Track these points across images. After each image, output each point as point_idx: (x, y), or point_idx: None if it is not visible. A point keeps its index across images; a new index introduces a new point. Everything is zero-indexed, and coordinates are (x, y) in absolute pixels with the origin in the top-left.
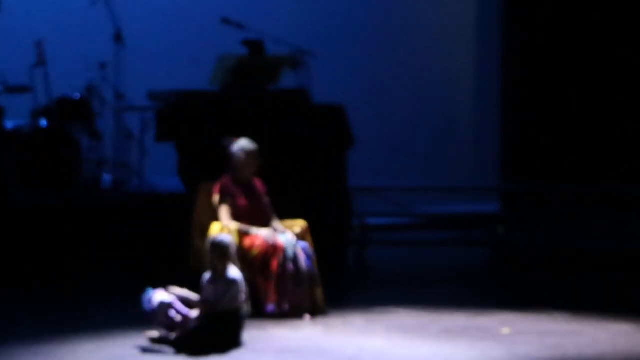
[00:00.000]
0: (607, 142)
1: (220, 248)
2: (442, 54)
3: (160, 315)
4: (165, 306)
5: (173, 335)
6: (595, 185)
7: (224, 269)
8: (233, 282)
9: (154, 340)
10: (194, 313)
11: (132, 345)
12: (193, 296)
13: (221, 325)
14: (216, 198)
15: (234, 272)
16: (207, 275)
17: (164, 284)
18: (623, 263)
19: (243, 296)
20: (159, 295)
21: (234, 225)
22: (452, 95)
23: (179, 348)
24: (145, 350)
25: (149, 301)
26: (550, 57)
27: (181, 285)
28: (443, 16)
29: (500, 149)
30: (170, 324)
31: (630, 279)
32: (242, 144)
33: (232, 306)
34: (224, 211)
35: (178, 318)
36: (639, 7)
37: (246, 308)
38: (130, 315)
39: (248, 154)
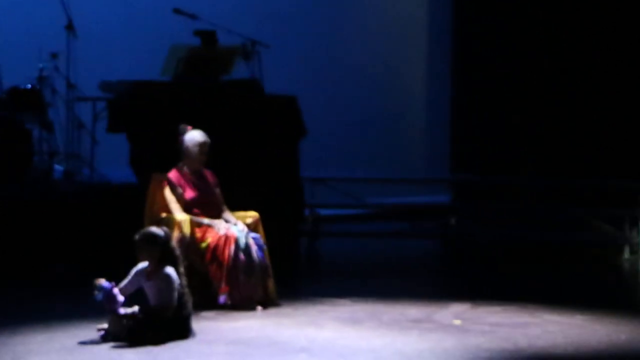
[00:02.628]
0: (556, 137)
1: (147, 241)
2: (394, 45)
3: (106, 305)
4: (108, 295)
5: (122, 328)
6: (545, 178)
7: (155, 263)
8: (170, 279)
9: (105, 332)
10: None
11: (83, 336)
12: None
13: (166, 320)
14: (167, 189)
15: (168, 268)
16: (139, 266)
17: (115, 274)
18: (572, 255)
19: (176, 293)
20: (104, 285)
21: (185, 216)
22: (403, 86)
23: (130, 341)
24: (95, 342)
25: (98, 291)
26: (501, 50)
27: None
28: (395, 7)
29: (451, 140)
30: (115, 314)
31: (579, 271)
32: (194, 135)
33: (173, 301)
34: (173, 204)
35: (120, 308)
36: (587, 3)
37: (190, 301)
38: (82, 307)
39: (200, 145)
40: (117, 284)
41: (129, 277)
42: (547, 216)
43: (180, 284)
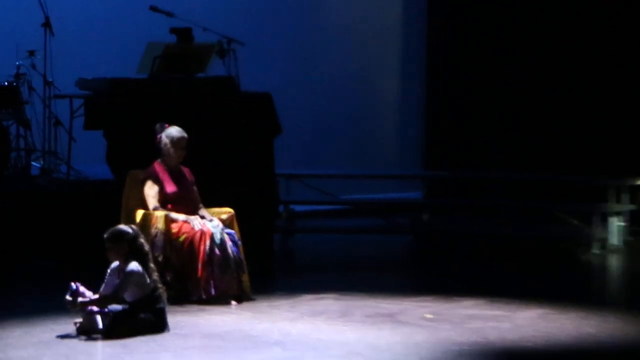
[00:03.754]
0: (526, 134)
1: (115, 239)
2: (368, 44)
3: (70, 303)
4: (74, 294)
5: (99, 323)
6: (516, 174)
7: (121, 260)
8: (132, 273)
9: (81, 327)
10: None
11: (60, 331)
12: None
13: (139, 313)
14: (148, 183)
15: (133, 264)
16: (112, 266)
17: (92, 268)
18: (542, 250)
19: (148, 283)
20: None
21: (162, 212)
22: (377, 85)
23: (105, 333)
24: (72, 336)
25: (70, 290)
26: (471, 51)
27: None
28: (369, 7)
29: (423, 138)
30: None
31: (548, 266)
32: (172, 132)
33: (143, 293)
34: (151, 198)
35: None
36: (556, 3)
37: (164, 295)
38: (59, 302)
39: (177, 142)
40: (86, 283)
41: (105, 279)
42: (517, 211)
43: (152, 279)
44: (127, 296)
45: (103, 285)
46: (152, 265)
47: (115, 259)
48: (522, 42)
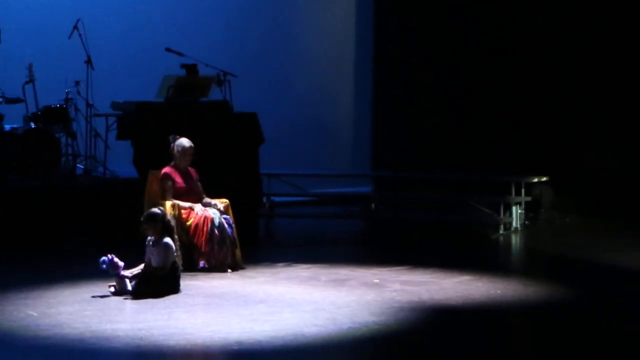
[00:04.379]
0: (453, 139)
1: (151, 219)
2: (328, 72)
3: (110, 270)
4: (110, 264)
5: (128, 285)
6: (443, 173)
7: (157, 235)
8: (168, 247)
9: (114, 289)
10: (137, 269)
11: (99, 292)
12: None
13: (166, 279)
14: (161, 181)
15: (167, 239)
16: (149, 239)
17: (121, 244)
18: (461, 231)
19: (174, 256)
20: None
21: (174, 202)
22: (335, 102)
23: (134, 294)
24: (107, 296)
25: (103, 262)
26: (414, 66)
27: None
28: (325, 42)
29: (372, 143)
30: (118, 276)
31: (466, 243)
32: (182, 142)
33: (167, 264)
34: (167, 191)
35: (121, 271)
36: (502, 8)
37: (181, 265)
38: (98, 270)
39: (186, 150)
40: (118, 255)
41: (146, 250)
42: (442, 202)
43: (176, 250)
44: (154, 262)
45: (145, 255)
46: (176, 237)
47: (152, 235)
48: (467, 49)
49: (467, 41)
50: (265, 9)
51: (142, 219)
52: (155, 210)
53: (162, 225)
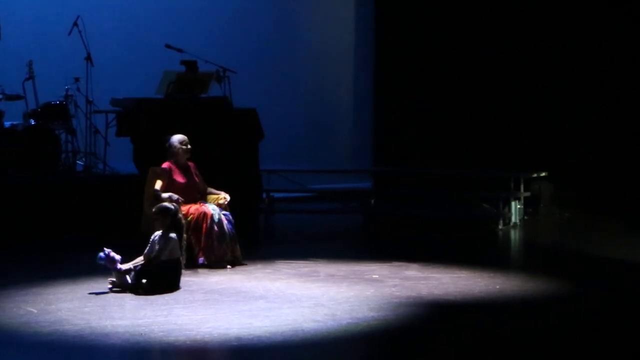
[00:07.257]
0: (452, 137)
1: (162, 212)
2: (328, 69)
3: (108, 265)
4: (107, 259)
5: (128, 279)
6: (443, 169)
7: (164, 229)
8: (170, 239)
9: (114, 284)
10: (138, 261)
11: (98, 288)
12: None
13: (165, 272)
14: (161, 176)
15: (172, 234)
16: (157, 233)
17: (119, 240)
18: (460, 226)
19: (179, 251)
20: (103, 253)
21: (166, 195)
22: (336, 100)
23: (134, 289)
24: (106, 292)
25: (100, 258)
26: (413, 67)
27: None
28: (326, 40)
29: (372, 140)
30: (116, 270)
31: (465, 238)
32: (179, 138)
33: (172, 257)
34: (160, 185)
35: (118, 266)
36: (502, 4)
37: (183, 261)
38: (96, 266)
39: (180, 139)
40: (117, 251)
41: (150, 243)
42: (442, 197)
43: (182, 249)
44: (150, 250)
45: (147, 248)
46: (185, 236)
47: (160, 228)
48: (467, 46)
49: (467, 37)
50: (264, 4)
51: (153, 210)
52: (169, 205)
53: (171, 221)
